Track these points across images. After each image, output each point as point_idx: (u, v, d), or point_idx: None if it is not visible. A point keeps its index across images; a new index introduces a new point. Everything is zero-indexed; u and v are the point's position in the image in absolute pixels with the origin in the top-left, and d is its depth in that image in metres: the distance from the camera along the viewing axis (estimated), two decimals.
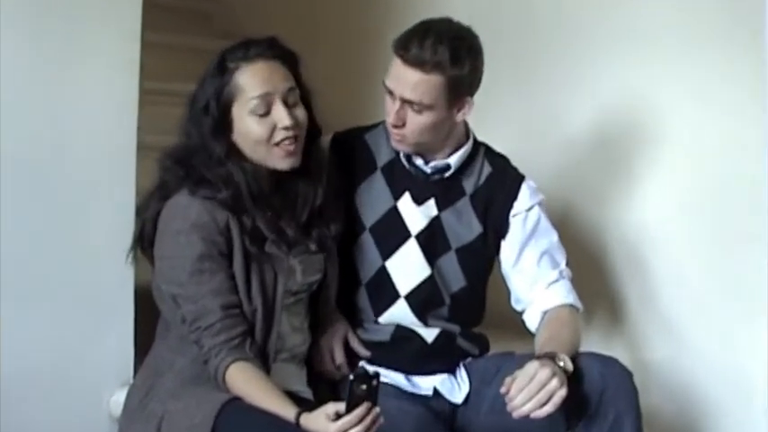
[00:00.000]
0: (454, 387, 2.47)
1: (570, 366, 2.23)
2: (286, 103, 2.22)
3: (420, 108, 2.32)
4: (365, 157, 2.46)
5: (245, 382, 2.12)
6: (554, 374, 2.16)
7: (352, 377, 2.00)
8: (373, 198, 2.44)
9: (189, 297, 2.15)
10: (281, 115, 2.19)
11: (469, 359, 2.50)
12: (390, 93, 2.33)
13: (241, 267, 2.17)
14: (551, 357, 2.21)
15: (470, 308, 2.52)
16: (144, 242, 2.27)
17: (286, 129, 2.20)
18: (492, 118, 2.70)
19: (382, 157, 2.47)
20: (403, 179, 2.44)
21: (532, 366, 2.17)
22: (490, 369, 2.44)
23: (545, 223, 2.48)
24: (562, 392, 2.16)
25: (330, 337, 2.41)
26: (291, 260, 2.25)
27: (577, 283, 2.49)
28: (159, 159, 2.27)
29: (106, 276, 2.55)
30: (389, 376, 2.42)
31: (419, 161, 2.43)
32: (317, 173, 2.30)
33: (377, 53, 2.41)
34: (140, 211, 2.29)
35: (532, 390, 2.15)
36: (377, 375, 2.02)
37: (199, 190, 2.19)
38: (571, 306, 2.44)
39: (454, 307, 2.46)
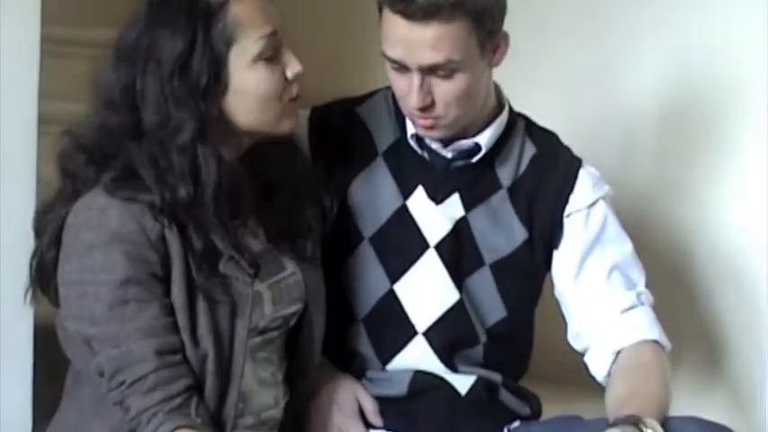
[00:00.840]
0: None
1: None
2: None
3: (449, 71, 1.99)
4: (360, 138, 2.14)
5: None
6: None
7: None
8: (374, 196, 2.12)
9: (108, 339, 1.85)
10: (291, 62, 1.93)
11: (517, 423, 2.15)
12: (400, 66, 2.00)
13: (183, 296, 1.88)
14: (635, 424, 1.86)
15: (513, 349, 2.18)
16: (42, 268, 1.94)
17: (298, 77, 1.93)
18: (527, 79, 2.51)
19: (384, 138, 2.14)
20: (413, 168, 2.12)
21: None
22: None
23: (614, 225, 2.13)
24: None
25: (334, 398, 2.07)
26: (257, 285, 1.95)
27: (657, 309, 2.14)
28: (65, 145, 1.93)
29: None
30: None
31: (434, 143, 2.10)
32: (291, 169, 2.03)
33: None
34: (38, 219, 1.97)
35: None
36: None
37: (120, 189, 1.88)
38: (656, 344, 2.08)
39: (492, 348, 2.12)
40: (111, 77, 1.89)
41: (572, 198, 2.11)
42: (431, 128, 2.04)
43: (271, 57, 1.91)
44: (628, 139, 2.77)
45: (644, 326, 2.08)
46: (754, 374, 2.58)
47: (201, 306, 1.88)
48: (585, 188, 2.12)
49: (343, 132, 2.14)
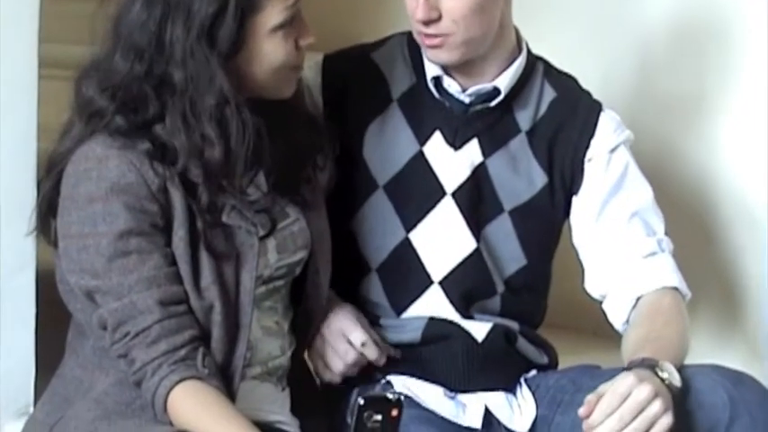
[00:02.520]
0: (514, 411, 2.10)
1: (677, 381, 1.86)
2: None
3: None
4: (374, 83, 2.11)
5: (197, 410, 1.82)
6: (656, 395, 1.80)
7: (361, 402, 1.73)
8: (388, 143, 2.09)
9: (110, 291, 1.84)
10: (306, 31, 1.92)
11: (533, 372, 2.14)
12: None
13: (184, 246, 1.86)
14: (651, 367, 1.86)
15: (531, 299, 2.16)
16: (43, 214, 1.92)
17: (308, 45, 1.93)
18: (544, 6, 2.48)
19: (399, 84, 2.11)
20: (431, 113, 2.08)
21: (626, 381, 1.82)
22: (565, 388, 2.07)
23: (636, 172, 2.11)
24: (666, 421, 1.81)
25: (334, 318, 2.05)
26: (261, 232, 1.95)
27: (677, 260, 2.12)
28: (87, 86, 1.87)
29: None
30: (421, 393, 2.07)
31: (453, 87, 2.06)
32: (293, 116, 2.01)
33: None
34: (51, 160, 1.92)
35: (625, 415, 1.80)
36: (399, 401, 1.74)
37: (124, 137, 1.85)
38: (676, 291, 2.07)
39: (509, 298, 2.11)
40: (140, 19, 1.85)
41: (593, 142, 2.09)
42: (438, 47, 2.00)
43: (288, 25, 1.89)
44: (638, 77, 2.69)
45: (665, 273, 2.07)
46: None
47: (204, 257, 1.86)
48: (606, 133, 2.10)
49: (356, 79, 2.11)
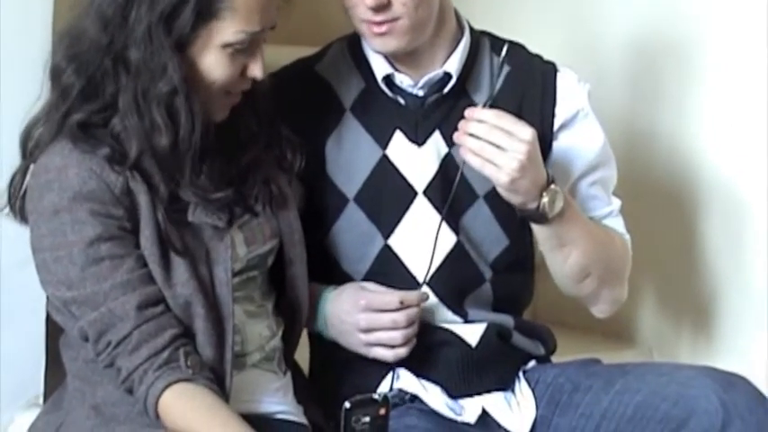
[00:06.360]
0: (513, 411, 2.04)
1: (560, 207, 1.93)
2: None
3: None
4: (323, 97, 2.04)
5: (187, 415, 1.78)
6: (531, 166, 1.88)
7: (348, 406, 1.71)
8: (350, 153, 2.03)
9: (87, 301, 1.80)
10: (258, 64, 1.84)
11: (532, 363, 2.08)
12: None
13: (151, 246, 1.82)
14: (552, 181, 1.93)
15: (519, 276, 2.10)
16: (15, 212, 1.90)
17: (254, 80, 1.86)
18: (499, 11, 2.50)
19: (349, 91, 2.05)
20: (387, 114, 2.03)
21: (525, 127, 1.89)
22: (563, 387, 2.01)
23: (602, 148, 2.09)
24: (503, 178, 1.88)
25: (352, 307, 1.98)
26: (226, 225, 1.90)
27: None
28: (59, 50, 1.83)
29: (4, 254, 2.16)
30: (421, 391, 2.00)
31: (405, 81, 2.01)
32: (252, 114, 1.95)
33: None
34: (26, 135, 1.88)
35: (495, 134, 1.88)
36: (385, 399, 1.73)
37: (83, 139, 1.80)
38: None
39: (499, 281, 2.05)
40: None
41: (557, 110, 2.05)
42: (385, 34, 1.93)
43: (240, 50, 1.84)
44: (598, 69, 2.64)
45: (617, 228, 2.09)
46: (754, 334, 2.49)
47: (174, 254, 1.84)
48: (567, 96, 2.06)
49: (304, 96, 2.05)
